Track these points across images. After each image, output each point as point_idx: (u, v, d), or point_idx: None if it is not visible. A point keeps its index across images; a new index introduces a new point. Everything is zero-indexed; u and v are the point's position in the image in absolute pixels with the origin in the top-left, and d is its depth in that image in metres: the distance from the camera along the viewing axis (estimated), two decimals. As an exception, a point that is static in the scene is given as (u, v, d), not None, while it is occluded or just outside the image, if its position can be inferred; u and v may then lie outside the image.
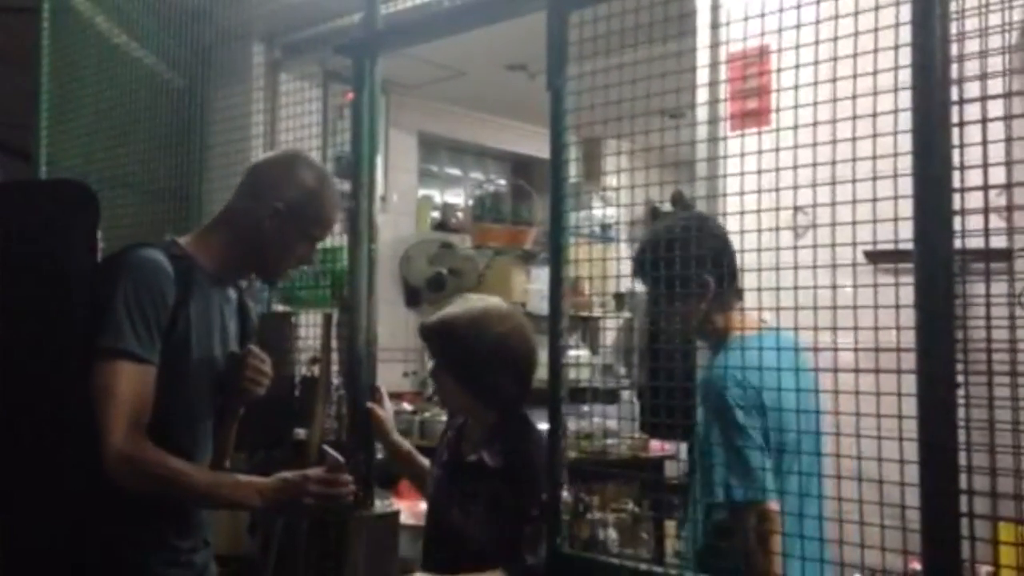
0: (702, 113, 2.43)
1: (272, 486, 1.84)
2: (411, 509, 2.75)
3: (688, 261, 1.97)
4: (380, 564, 2.38)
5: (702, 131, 2.31)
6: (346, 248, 2.77)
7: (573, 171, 2.08)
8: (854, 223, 1.59)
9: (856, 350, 1.59)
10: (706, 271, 2.04)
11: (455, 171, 6.61)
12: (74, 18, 4.16)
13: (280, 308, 3.14)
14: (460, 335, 2.11)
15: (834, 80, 1.63)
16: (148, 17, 4.21)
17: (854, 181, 1.54)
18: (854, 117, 1.57)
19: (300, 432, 2.78)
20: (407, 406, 4.61)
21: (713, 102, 2.33)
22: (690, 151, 2.29)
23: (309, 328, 3.08)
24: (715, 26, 2.38)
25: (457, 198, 6.49)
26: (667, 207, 4.86)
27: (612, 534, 3.40)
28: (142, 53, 4.21)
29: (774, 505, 1.93)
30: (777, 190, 1.66)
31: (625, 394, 4.36)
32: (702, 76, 2.36)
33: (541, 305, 5.27)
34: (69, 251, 1.73)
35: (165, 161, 4.42)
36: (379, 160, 2.63)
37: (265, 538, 2.59)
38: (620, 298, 4.94)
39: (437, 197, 6.36)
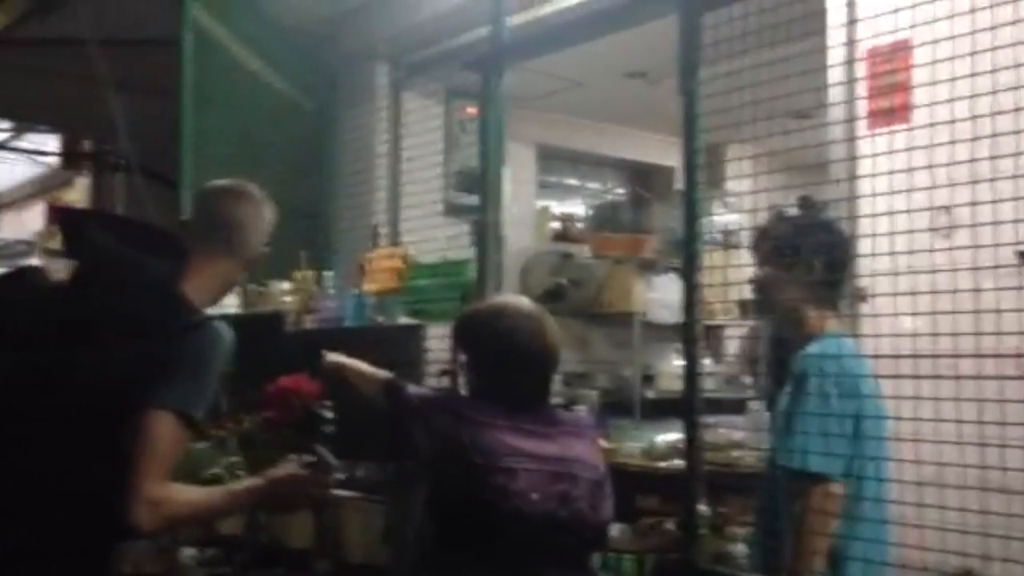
0: (835, 112, 2.36)
1: (264, 486, 1.92)
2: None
3: (800, 245, 2.00)
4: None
5: (835, 131, 2.25)
6: (473, 260, 2.83)
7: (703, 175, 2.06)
8: (996, 223, 1.52)
9: (997, 356, 1.51)
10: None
11: (573, 181, 6.62)
12: (213, 48, 4.37)
13: (408, 321, 3.21)
14: (477, 324, 2.16)
15: (973, 75, 1.57)
16: (280, 44, 4.39)
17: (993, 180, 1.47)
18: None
19: (431, 442, 2.82)
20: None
21: (848, 101, 2.26)
22: (819, 153, 2.23)
23: (438, 340, 3.13)
24: (851, 22, 2.31)
25: (575, 208, 6.49)
26: (793, 212, 4.74)
27: (741, 548, 3.32)
28: (275, 79, 4.39)
29: (837, 488, 1.97)
30: (921, 189, 1.60)
31: (752, 404, 4.26)
32: (834, 75, 2.30)
33: (661, 314, 5.21)
34: (146, 299, 1.76)
35: (297, 182, 4.61)
36: (504, 172, 2.68)
37: (399, 547, 2.65)
38: (744, 305, 4.83)
39: (555, 208, 6.39)
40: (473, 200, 3.11)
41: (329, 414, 2.91)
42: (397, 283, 3.22)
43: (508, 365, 2.07)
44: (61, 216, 1.90)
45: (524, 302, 2.20)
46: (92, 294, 1.74)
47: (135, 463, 1.65)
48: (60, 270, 1.88)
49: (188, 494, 1.79)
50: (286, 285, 3.80)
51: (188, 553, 2.68)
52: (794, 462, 2.00)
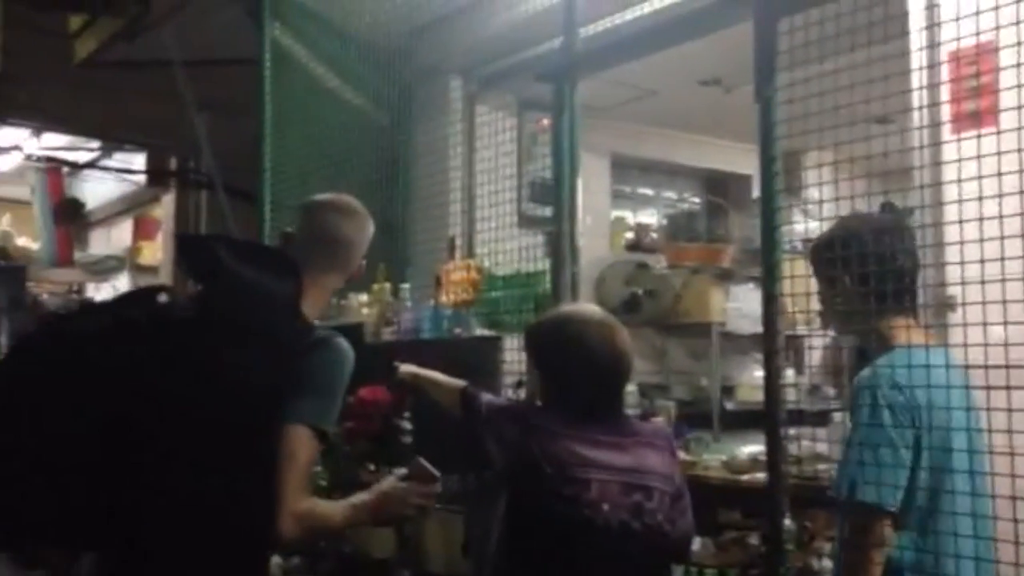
0: (918, 117, 2.30)
1: (377, 502, 1.94)
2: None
3: (865, 258, 1.92)
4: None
5: (917, 136, 2.19)
6: (548, 271, 2.83)
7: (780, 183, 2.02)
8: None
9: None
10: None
11: (647, 191, 6.58)
12: (291, 66, 4.48)
13: (485, 332, 3.22)
14: (543, 332, 2.16)
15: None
16: (356, 60, 4.48)
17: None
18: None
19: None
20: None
21: (931, 105, 2.19)
22: (901, 159, 2.17)
23: (514, 352, 3.14)
24: (933, 25, 2.24)
25: (650, 218, 6.45)
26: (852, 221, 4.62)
27: (827, 564, 3.25)
28: (351, 94, 4.48)
29: (885, 520, 1.87)
30: (1011, 194, 1.55)
31: (836, 416, 4.17)
32: (917, 79, 2.24)
33: (740, 324, 5.13)
34: (274, 317, 1.79)
35: (373, 196, 4.68)
36: (578, 183, 2.68)
37: (479, 559, 2.66)
38: (824, 315, 4.73)
39: (630, 218, 6.35)
40: (547, 211, 3.12)
41: (408, 425, 2.95)
42: (472, 295, 3.24)
43: (576, 371, 2.05)
44: (182, 240, 1.94)
45: (594, 309, 2.18)
46: (222, 314, 1.78)
47: (280, 477, 1.71)
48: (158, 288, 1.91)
49: (325, 508, 1.86)
50: (364, 297, 3.86)
51: (274, 561, 2.74)
52: (841, 490, 1.91)
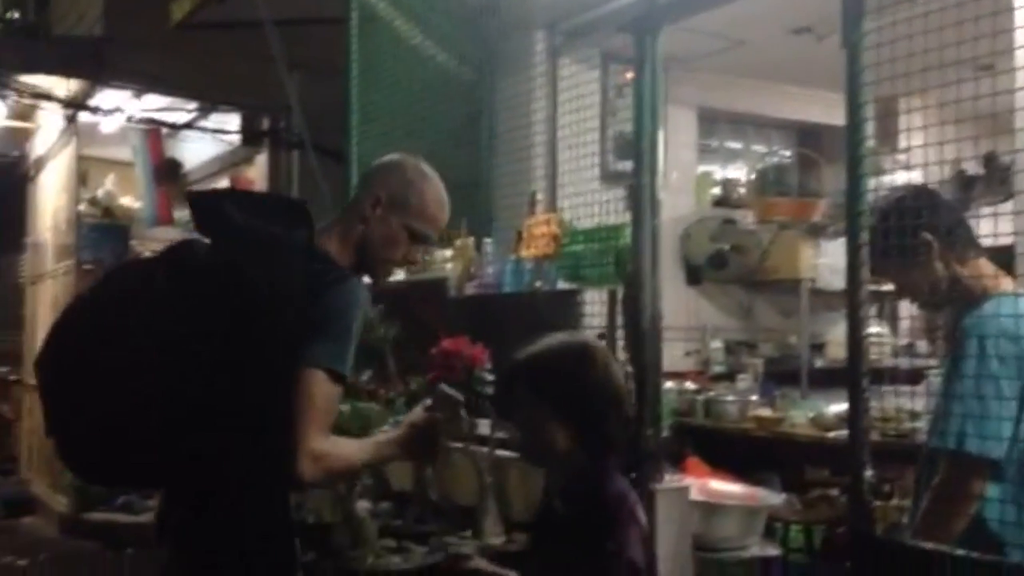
0: (1020, 60, 2.19)
1: (406, 437, 1.99)
2: (700, 486, 2.74)
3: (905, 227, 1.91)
4: (674, 536, 2.40)
5: (1020, 79, 2.08)
6: (629, 225, 2.81)
7: (869, 133, 1.97)
8: None
9: None
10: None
11: (736, 144, 6.44)
12: (377, 24, 4.52)
13: (566, 286, 3.23)
14: (568, 369, 1.85)
15: None
16: (441, 16, 4.49)
17: None
18: None
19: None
20: (690, 385, 4.58)
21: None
22: (1006, 103, 2.08)
23: (594, 305, 3.15)
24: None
25: (738, 172, 6.32)
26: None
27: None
28: (436, 51, 4.50)
29: (985, 472, 1.86)
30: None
31: (931, 374, 4.05)
32: (1020, 18, 2.13)
33: (832, 280, 5.01)
34: (282, 262, 1.84)
35: (456, 152, 4.71)
36: (660, 136, 2.64)
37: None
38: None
39: (717, 173, 6.23)
40: (630, 166, 3.09)
41: (490, 376, 2.99)
42: (554, 249, 3.24)
43: (612, 409, 1.83)
44: (191, 198, 1.99)
45: (599, 342, 2.01)
46: (228, 263, 1.84)
47: (297, 420, 1.76)
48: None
49: (346, 448, 1.90)
50: (448, 252, 3.91)
51: (363, 505, 2.83)
52: (947, 440, 1.89)
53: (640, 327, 2.58)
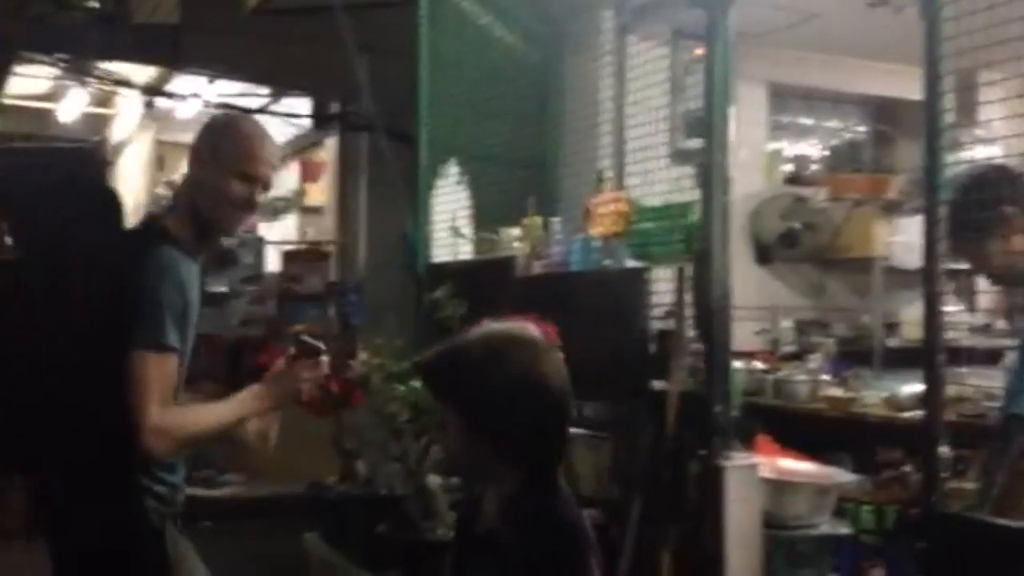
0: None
1: (264, 387, 2.03)
2: (769, 464, 2.73)
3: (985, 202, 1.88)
4: (743, 514, 2.40)
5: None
6: (699, 201, 2.79)
7: (949, 106, 1.93)
8: None
9: None
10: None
11: (808, 121, 6.31)
12: (445, 6, 4.55)
13: (633, 263, 3.23)
14: (475, 367, 1.54)
15: None
16: (508, -4, 4.50)
17: None
18: None
19: (658, 384, 2.86)
20: (759, 365, 4.53)
21: None
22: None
23: (663, 282, 3.14)
24: None
25: (810, 149, 6.20)
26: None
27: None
28: (503, 31, 4.51)
29: None
30: None
31: (1009, 356, 3.95)
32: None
33: (906, 258, 4.89)
34: (99, 243, 1.96)
35: (524, 132, 4.73)
36: (731, 112, 2.62)
37: (629, 482, 2.72)
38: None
39: (788, 149, 6.12)
40: (699, 143, 3.06)
41: (560, 354, 3.01)
42: (622, 227, 3.24)
43: (537, 414, 1.52)
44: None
45: (532, 332, 1.61)
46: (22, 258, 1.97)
47: (131, 403, 1.82)
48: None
49: (194, 415, 1.95)
50: (515, 232, 3.94)
51: (434, 479, 2.89)
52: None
53: (709, 305, 2.57)
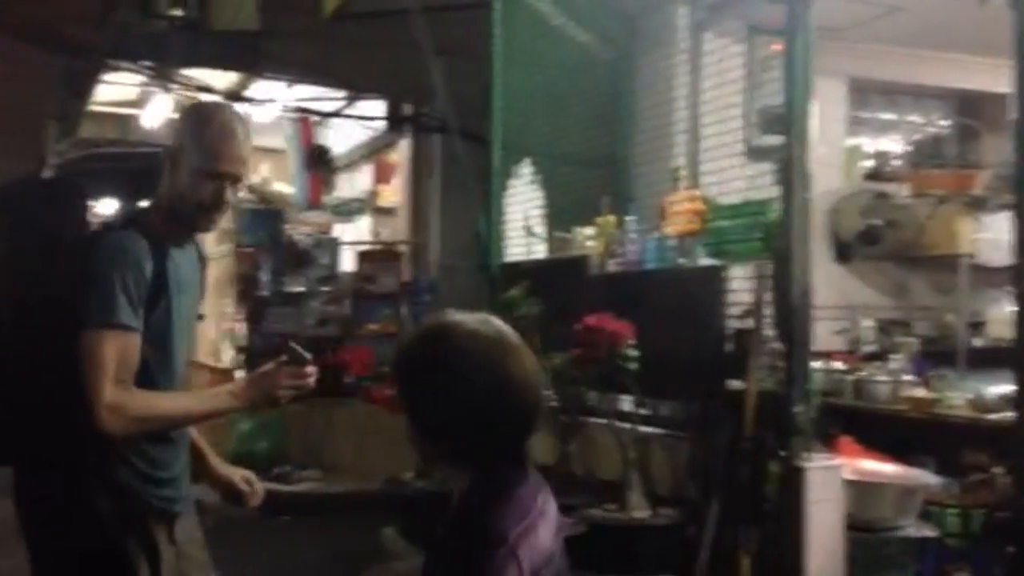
0: None
1: (242, 386, 2.00)
2: (852, 465, 2.68)
3: None
4: (825, 515, 2.36)
5: None
6: (778, 198, 2.76)
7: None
8: None
9: None
10: None
11: (889, 115, 6.15)
12: (519, 7, 4.56)
13: (709, 262, 3.20)
14: (413, 364, 1.46)
15: None
16: (581, -5, 4.50)
17: None
18: None
19: (735, 384, 2.83)
20: (839, 365, 4.44)
21: None
22: None
23: (739, 281, 3.11)
24: None
25: (892, 145, 6.04)
26: None
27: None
28: (576, 31, 4.51)
29: None
30: None
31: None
32: None
33: (993, 255, 4.74)
34: (61, 231, 1.97)
35: (597, 131, 4.72)
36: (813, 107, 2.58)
37: (706, 482, 2.69)
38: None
39: (868, 145, 5.98)
40: (775, 140, 3.02)
41: (634, 352, 3.01)
42: (698, 225, 3.22)
43: (513, 418, 1.41)
44: None
45: (488, 322, 1.46)
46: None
47: (85, 382, 1.82)
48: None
49: (153, 398, 1.91)
50: (589, 230, 3.94)
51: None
52: None
53: (789, 304, 2.54)
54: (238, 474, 2.22)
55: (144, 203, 2.09)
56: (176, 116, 2.05)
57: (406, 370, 1.46)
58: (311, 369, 1.96)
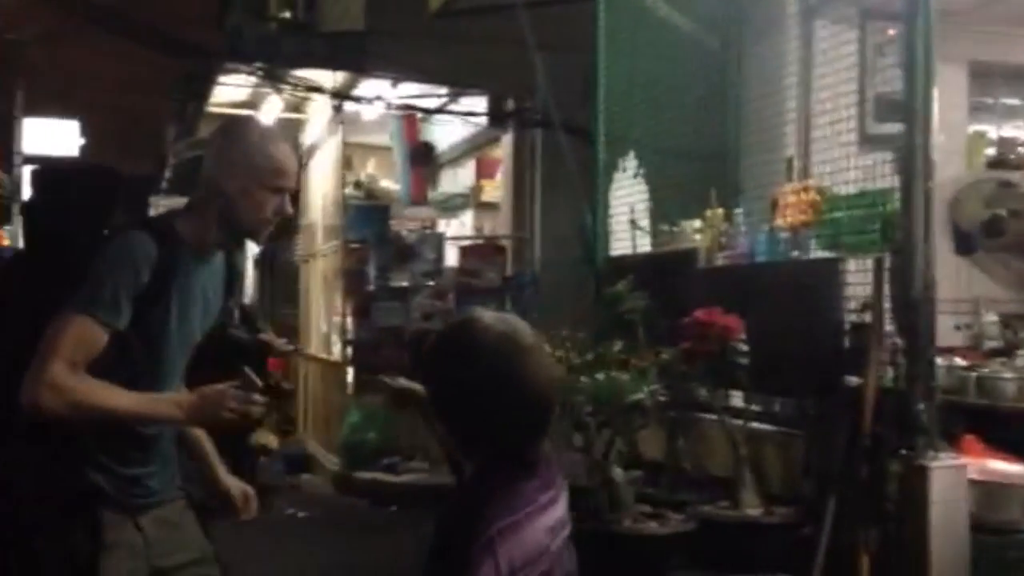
0: None
1: (191, 399, 1.97)
2: (977, 465, 2.57)
3: None
4: (949, 516, 2.28)
5: None
6: (897, 188, 2.66)
7: None
8: None
9: None
10: None
11: (1014, 101, 5.86)
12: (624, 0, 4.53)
13: (825, 254, 3.12)
14: (432, 352, 1.54)
15: None
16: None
17: None
18: None
19: (852, 380, 2.75)
20: (960, 361, 4.26)
21: None
22: None
23: (855, 274, 3.02)
24: None
25: (1017, 131, 5.75)
26: None
27: None
28: (682, 20, 4.45)
29: None
30: None
31: None
32: None
33: None
34: (84, 227, 1.99)
35: (703, 123, 4.65)
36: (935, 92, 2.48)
37: (823, 481, 2.63)
38: None
39: (991, 132, 5.71)
40: (891, 128, 2.92)
41: (744, 347, 2.96)
42: (811, 217, 3.14)
43: (523, 418, 1.47)
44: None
45: (512, 324, 1.51)
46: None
47: (38, 353, 1.83)
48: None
49: (101, 390, 1.89)
50: (696, 224, 3.88)
51: (618, 472, 2.90)
52: None
53: (911, 297, 2.45)
54: (239, 488, 2.27)
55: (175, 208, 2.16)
56: (225, 128, 2.11)
57: (428, 358, 1.54)
58: (258, 398, 1.98)
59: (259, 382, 1.98)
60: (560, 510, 1.47)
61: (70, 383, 1.83)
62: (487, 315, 1.51)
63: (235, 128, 2.15)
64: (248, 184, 2.01)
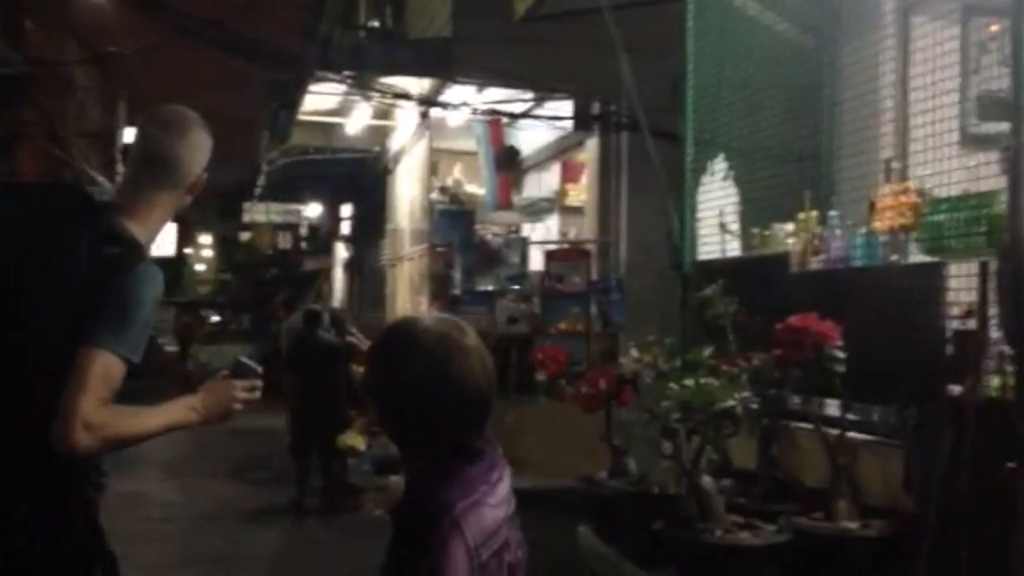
0: None
1: (201, 398, 1.98)
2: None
3: None
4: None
5: None
6: (1004, 190, 2.55)
7: None
8: None
9: None
10: None
11: None
12: (713, 1, 4.47)
13: (925, 258, 3.01)
14: (373, 354, 1.61)
15: None
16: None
17: None
18: None
19: (955, 389, 2.64)
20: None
21: None
22: None
23: (958, 279, 2.90)
24: None
25: None
26: None
27: None
28: (774, 20, 4.36)
29: None
30: None
31: None
32: None
33: None
34: (71, 253, 1.89)
35: (795, 124, 4.54)
36: (1045, 90, 2.37)
37: (923, 493, 2.53)
38: None
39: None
40: (997, 128, 2.80)
41: (841, 353, 2.87)
42: (911, 219, 3.03)
43: (461, 411, 1.53)
44: None
45: (452, 323, 1.57)
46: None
47: (68, 393, 1.81)
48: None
49: (127, 417, 1.90)
50: (789, 227, 3.80)
51: (708, 480, 2.85)
52: None
53: (1019, 301, 2.35)
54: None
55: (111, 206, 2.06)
56: (187, 131, 2.04)
57: (370, 359, 1.62)
58: (259, 382, 2.02)
59: (257, 367, 2.04)
60: (506, 486, 1.56)
61: (102, 419, 1.85)
62: (426, 318, 1.60)
63: (189, 127, 2.09)
64: (190, 172, 2.05)
